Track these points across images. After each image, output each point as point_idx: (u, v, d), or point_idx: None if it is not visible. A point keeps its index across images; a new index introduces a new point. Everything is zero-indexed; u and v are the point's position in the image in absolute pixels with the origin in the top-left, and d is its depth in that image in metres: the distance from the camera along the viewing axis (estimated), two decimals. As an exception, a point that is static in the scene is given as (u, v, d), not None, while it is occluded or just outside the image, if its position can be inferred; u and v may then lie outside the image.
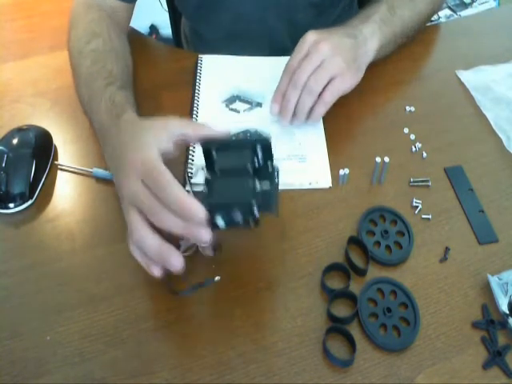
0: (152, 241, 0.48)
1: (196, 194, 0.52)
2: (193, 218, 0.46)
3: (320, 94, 0.65)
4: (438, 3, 0.83)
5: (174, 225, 0.47)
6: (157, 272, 0.50)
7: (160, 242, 0.48)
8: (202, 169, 0.52)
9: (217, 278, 0.55)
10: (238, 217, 0.47)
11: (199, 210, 0.46)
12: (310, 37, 0.66)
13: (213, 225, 0.48)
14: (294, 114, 0.67)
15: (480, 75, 0.78)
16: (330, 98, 0.65)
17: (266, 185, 0.51)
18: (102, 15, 0.75)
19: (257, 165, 0.51)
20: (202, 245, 0.51)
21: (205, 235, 0.47)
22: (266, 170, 0.52)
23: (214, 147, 0.50)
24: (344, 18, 0.93)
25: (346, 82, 0.66)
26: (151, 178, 0.47)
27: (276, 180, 0.52)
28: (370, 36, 0.70)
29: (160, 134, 0.51)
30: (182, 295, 0.54)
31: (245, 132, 0.70)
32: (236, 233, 0.61)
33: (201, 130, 0.52)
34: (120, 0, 0.76)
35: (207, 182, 0.50)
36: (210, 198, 0.48)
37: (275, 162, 0.52)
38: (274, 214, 0.51)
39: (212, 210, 0.47)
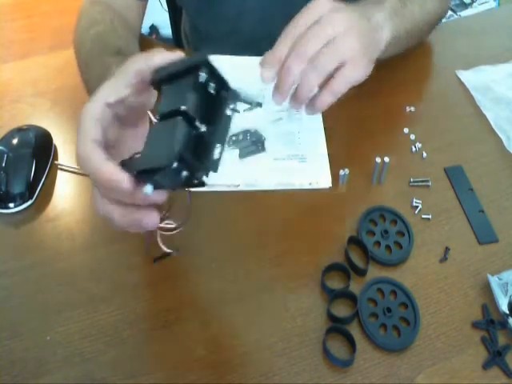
0: (117, 215, 0.44)
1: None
2: (121, 190, 0.40)
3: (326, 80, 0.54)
4: (445, 8, 0.80)
5: (115, 210, 0.44)
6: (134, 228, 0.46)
7: (124, 212, 0.44)
8: None
9: (176, 252, 0.54)
10: (166, 181, 0.38)
11: (122, 180, 0.40)
12: (324, 2, 0.53)
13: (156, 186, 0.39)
14: (293, 94, 0.54)
15: (480, 75, 0.78)
16: (340, 87, 0.53)
17: (213, 124, 0.38)
18: (107, 9, 0.73)
19: (210, 92, 0.38)
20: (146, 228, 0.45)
21: (149, 218, 0.43)
22: (221, 99, 0.39)
23: (160, 81, 0.41)
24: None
25: (359, 72, 0.55)
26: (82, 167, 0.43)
27: (227, 111, 0.39)
28: (382, 23, 0.60)
29: (113, 86, 0.43)
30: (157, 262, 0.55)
31: (245, 132, 0.70)
32: (236, 233, 0.61)
33: (152, 57, 0.42)
34: None
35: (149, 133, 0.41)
36: (132, 164, 0.40)
37: (232, 87, 0.40)
38: (212, 169, 0.41)
39: (137, 178, 0.39)
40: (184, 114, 0.36)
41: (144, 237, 0.49)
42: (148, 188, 0.38)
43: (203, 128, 0.37)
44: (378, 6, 0.61)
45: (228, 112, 0.39)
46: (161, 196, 0.41)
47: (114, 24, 0.71)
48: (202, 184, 0.40)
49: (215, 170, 0.39)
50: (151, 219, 0.43)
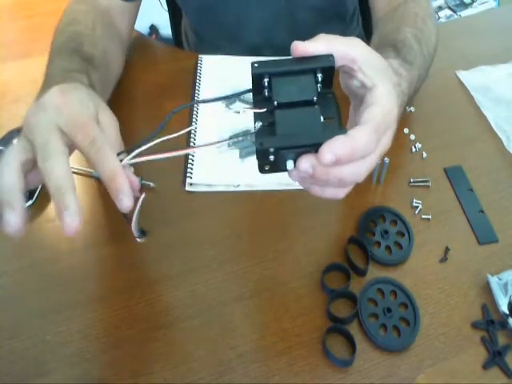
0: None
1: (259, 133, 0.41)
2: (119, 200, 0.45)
3: None
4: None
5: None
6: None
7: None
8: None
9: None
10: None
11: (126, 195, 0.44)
12: (388, 125, 0.45)
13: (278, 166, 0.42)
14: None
15: (480, 75, 0.78)
16: (344, 195, 0.48)
17: (330, 114, 0.42)
18: (91, 9, 0.72)
19: (318, 91, 0.43)
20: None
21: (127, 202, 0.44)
22: (326, 99, 0.43)
23: (266, 74, 0.43)
24: (348, 31, 0.93)
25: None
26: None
27: (336, 106, 0.43)
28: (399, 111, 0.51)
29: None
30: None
31: (245, 132, 0.70)
32: (236, 232, 0.61)
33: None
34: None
35: (260, 117, 0.42)
36: (276, 140, 0.40)
37: (332, 91, 0.44)
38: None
39: (278, 153, 0.40)
40: (316, 103, 0.41)
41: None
42: (290, 163, 0.41)
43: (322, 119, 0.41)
44: (405, 92, 0.56)
45: (336, 107, 0.43)
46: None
47: (96, 27, 0.70)
48: None
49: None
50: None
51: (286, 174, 0.61)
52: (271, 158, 0.40)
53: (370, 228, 0.60)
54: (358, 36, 0.97)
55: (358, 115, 0.44)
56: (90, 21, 0.70)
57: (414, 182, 0.65)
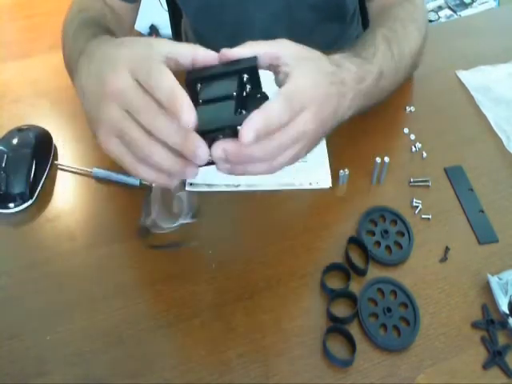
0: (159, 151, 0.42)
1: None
2: (179, 111, 0.40)
3: None
4: (406, 77, 0.70)
5: (173, 126, 0.41)
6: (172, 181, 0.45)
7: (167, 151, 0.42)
8: None
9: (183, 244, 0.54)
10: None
11: (189, 108, 0.40)
12: (305, 101, 0.47)
13: None
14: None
15: (480, 75, 0.78)
16: (282, 166, 0.50)
17: (250, 109, 0.44)
18: (96, 1, 0.73)
19: (245, 93, 0.46)
20: (197, 161, 0.42)
21: (204, 148, 0.41)
22: (254, 98, 0.46)
23: (198, 80, 0.46)
24: (348, 31, 0.93)
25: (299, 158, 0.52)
26: (143, 66, 0.42)
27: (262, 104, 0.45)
28: (348, 107, 0.55)
29: (148, 46, 0.45)
30: (158, 249, 0.55)
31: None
32: (236, 233, 0.61)
33: (194, 49, 0.46)
34: (122, 0, 0.76)
35: None
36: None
37: (265, 90, 0.47)
38: None
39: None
40: (233, 99, 0.43)
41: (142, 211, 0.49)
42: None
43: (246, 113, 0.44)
44: (356, 87, 0.56)
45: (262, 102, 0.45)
46: (197, 170, 0.43)
47: (106, 14, 0.70)
48: None
49: None
50: (203, 152, 0.41)
51: (286, 174, 0.62)
52: None
53: (370, 228, 0.61)
54: (357, 35, 0.97)
55: None
56: (99, 9, 0.71)
57: (414, 181, 0.65)
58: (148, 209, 0.53)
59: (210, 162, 0.44)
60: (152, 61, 0.42)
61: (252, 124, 0.42)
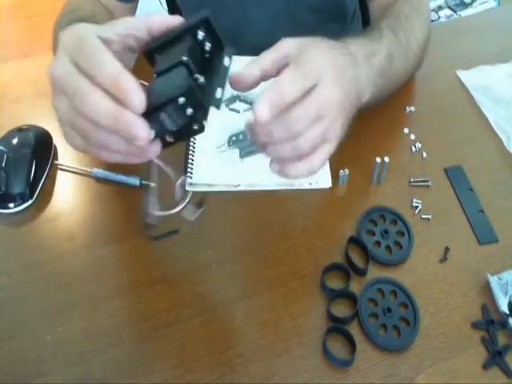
0: (104, 105, 0.38)
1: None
2: (125, 96, 0.37)
3: None
4: (414, 68, 0.72)
5: (103, 107, 0.38)
6: (112, 157, 0.42)
7: (113, 104, 0.38)
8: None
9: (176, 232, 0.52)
10: (169, 123, 0.40)
11: (135, 90, 0.37)
12: (318, 69, 0.46)
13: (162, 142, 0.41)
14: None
15: (480, 75, 0.78)
16: (320, 164, 0.48)
17: (211, 76, 0.41)
18: (88, 0, 0.72)
19: (206, 50, 0.42)
20: (137, 143, 0.39)
21: (140, 126, 0.38)
22: (217, 55, 0.43)
23: (157, 49, 0.43)
24: (348, 31, 0.93)
25: (337, 144, 0.50)
26: (82, 52, 0.39)
27: (225, 63, 0.42)
28: (367, 84, 0.55)
29: (103, 26, 0.43)
30: (159, 240, 0.54)
31: (245, 132, 0.70)
32: (236, 233, 0.61)
33: (146, 18, 0.43)
34: (118, 0, 0.76)
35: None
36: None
37: (228, 46, 0.43)
38: (214, 106, 0.42)
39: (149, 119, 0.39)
40: (185, 65, 0.39)
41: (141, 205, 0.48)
42: (151, 133, 0.39)
43: (201, 79, 0.40)
44: (368, 62, 0.56)
45: (225, 63, 0.42)
46: (157, 148, 0.40)
47: (96, 15, 0.69)
48: (202, 129, 0.41)
49: (218, 107, 0.41)
50: (142, 128, 0.38)
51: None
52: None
53: (370, 228, 0.61)
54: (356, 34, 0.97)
55: None
56: (89, 9, 0.70)
57: (414, 181, 0.65)
58: (148, 199, 0.52)
59: (166, 142, 0.41)
60: (93, 46, 0.39)
61: (265, 98, 0.40)
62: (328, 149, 0.48)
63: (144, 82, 0.42)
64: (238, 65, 0.81)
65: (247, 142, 0.69)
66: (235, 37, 0.86)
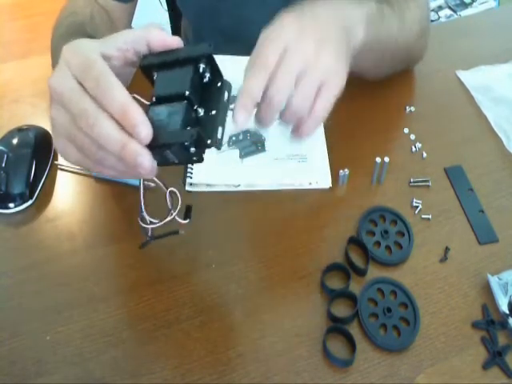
0: (108, 124, 0.39)
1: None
2: (133, 128, 0.38)
3: None
4: (426, 16, 0.72)
5: (109, 133, 0.38)
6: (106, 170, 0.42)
7: (121, 132, 0.39)
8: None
9: (182, 232, 0.54)
10: (171, 157, 0.41)
11: (143, 123, 0.38)
12: (289, 25, 0.51)
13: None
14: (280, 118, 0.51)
15: (480, 75, 0.78)
16: (324, 112, 0.50)
17: (210, 109, 0.42)
18: (87, 4, 0.72)
19: (205, 81, 0.43)
20: (141, 174, 0.41)
21: (145, 157, 0.39)
22: (214, 88, 0.43)
23: (154, 66, 0.43)
24: None
25: (338, 86, 0.50)
26: (89, 75, 0.39)
27: (224, 98, 0.43)
28: (357, 21, 0.55)
29: (104, 41, 0.44)
30: (158, 239, 0.53)
31: (245, 132, 0.70)
32: (236, 233, 0.61)
33: (148, 32, 0.43)
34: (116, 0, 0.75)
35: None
36: None
37: (225, 78, 0.44)
38: (215, 147, 0.42)
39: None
40: (187, 98, 0.41)
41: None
42: (154, 163, 0.40)
43: (202, 112, 0.42)
44: (356, 5, 0.57)
45: (225, 99, 0.43)
46: (154, 172, 0.41)
47: (94, 16, 0.69)
48: (201, 160, 0.42)
49: (219, 148, 0.42)
50: (146, 159, 0.39)
51: (286, 174, 0.62)
52: None
53: (370, 228, 0.60)
54: None
55: None
56: (88, 13, 0.70)
57: (414, 181, 0.65)
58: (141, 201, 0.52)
59: (166, 162, 0.42)
60: (98, 68, 0.39)
61: (238, 106, 0.43)
62: (327, 94, 0.49)
63: (139, 98, 0.43)
64: (238, 65, 0.81)
65: (247, 142, 0.70)
66: (235, 37, 0.86)
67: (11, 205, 0.63)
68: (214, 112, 0.42)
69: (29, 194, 0.63)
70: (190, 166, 0.66)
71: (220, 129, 0.42)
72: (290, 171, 0.66)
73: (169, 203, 0.50)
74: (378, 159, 0.63)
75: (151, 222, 0.50)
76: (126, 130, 0.39)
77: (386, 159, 0.63)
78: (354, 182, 0.65)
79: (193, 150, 0.40)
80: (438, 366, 0.51)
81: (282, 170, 0.66)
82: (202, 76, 0.43)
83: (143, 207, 0.49)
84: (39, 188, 0.65)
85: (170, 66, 0.43)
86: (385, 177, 0.65)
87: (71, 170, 0.67)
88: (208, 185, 0.65)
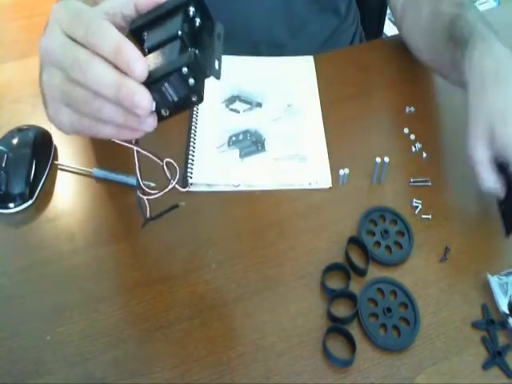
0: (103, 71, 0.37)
1: None
2: (128, 64, 0.37)
3: None
4: None
5: (105, 75, 0.37)
6: (108, 131, 0.41)
7: (115, 72, 0.38)
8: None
9: (182, 203, 0.53)
10: (170, 93, 0.40)
11: (138, 59, 0.37)
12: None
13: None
14: None
15: (480, 75, 0.77)
16: None
17: (204, 48, 0.42)
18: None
19: (196, 26, 0.43)
20: (138, 112, 0.39)
21: (143, 94, 0.37)
22: (207, 31, 0.43)
23: (144, 27, 0.42)
24: (344, 24, 0.93)
25: None
26: (79, 23, 0.38)
27: (217, 38, 0.43)
28: None
29: (91, 7, 0.42)
30: (157, 218, 0.53)
31: (245, 132, 0.70)
32: (236, 233, 0.61)
33: None
34: None
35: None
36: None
37: (218, 22, 0.44)
38: (215, 76, 0.42)
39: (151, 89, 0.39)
40: (180, 38, 0.40)
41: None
42: (152, 104, 0.39)
43: (196, 51, 0.40)
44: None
45: (217, 37, 0.42)
46: (154, 121, 0.40)
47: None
48: (201, 99, 0.41)
49: (218, 78, 0.42)
50: (145, 98, 0.38)
51: (286, 174, 0.62)
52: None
53: (370, 228, 0.61)
54: (355, 34, 0.97)
55: None
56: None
57: (414, 181, 0.65)
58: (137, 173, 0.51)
59: (161, 116, 0.41)
60: (90, 16, 0.39)
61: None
62: None
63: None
64: (237, 65, 0.81)
65: (247, 142, 0.70)
66: (232, 33, 0.86)
67: (11, 205, 0.63)
68: (208, 49, 0.42)
69: (29, 193, 0.63)
70: (190, 166, 0.66)
71: (217, 61, 0.41)
72: (289, 171, 0.66)
73: (167, 173, 0.49)
74: (378, 159, 0.63)
75: (150, 194, 0.49)
76: (121, 69, 0.38)
77: (386, 159, 0.63)
78: (354, 181, 0.65)
79: (192, 81, 0.38)
80: (438, 366, 0.51)
81: (282, 169, 0.66)
82: (193, 21, 0.42)
83: (140, 179, 0.47)
84: (39, 188, 0.65)
85: (160, 21, 0.42)
86: (385, 177, 0.65)
87: (71, 170, 0.67)
88: (208, 185, 0.65)
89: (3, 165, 0.63)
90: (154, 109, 0.39)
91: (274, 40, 0.87)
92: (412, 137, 0.70)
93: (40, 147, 0.67)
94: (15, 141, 0.66)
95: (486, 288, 0.56)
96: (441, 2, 0.69)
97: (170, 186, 0.49)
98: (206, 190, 0.65)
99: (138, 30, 0.42)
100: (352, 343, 0.52)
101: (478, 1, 2.03)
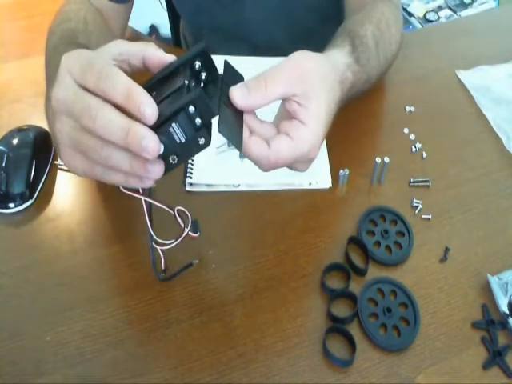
0: (113, 117, 0.38)
1: None
2: (138, 107, 0.38)
3: None
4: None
5: (113, 121, 0.38)
6: (118, 178, 0.42)
7: (123, 117, 0.38)
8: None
9: (195, 261, 0.55)
10: (178, 134, 0.40)
11: (150, 103, 0.38)
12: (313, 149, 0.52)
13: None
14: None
15: (480, 75, 0.78)
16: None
17: (210, 95, 0.43)
18: (84, 6, 0.71)
19: (202, 79, 0.44)
20: (146, 156, 0.39)
21: (151, 137, 0.38)
22: (212, 82, 0.44)
23: (151, 88, 0.43)
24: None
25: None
26: (91, 71, 0.39)
27: (216, 86, 0.44)
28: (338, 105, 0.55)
29: (99, 51, 0.44)
30: (166, 280, 0.54)
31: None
32: (236, 233, 0.61)
33: (145, 48, 0.43)
34: (112, 1, 0.75)
35: None
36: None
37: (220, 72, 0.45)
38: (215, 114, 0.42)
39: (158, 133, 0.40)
40: (187, 87, 0.41)
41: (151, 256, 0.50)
42: (160, 146, 0.39)
43: (201, 88, 0.41)
44: (347, 93, 0.56)
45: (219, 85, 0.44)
46: (161, 169, 0.41)
47: (87, 22, 0.68)
48: (208, 142, 0.41)
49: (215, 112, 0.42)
50: (154, 143, 0.38)
51: (286, 174, 0.62)
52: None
53: (370, 228, 0.61)
54: None
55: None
56: (81, 18, 0.69)
57: (414, 181, 0.65)
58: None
59: (170, 164, 0.41)
60: (100, 63, 0.40)
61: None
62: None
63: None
64: (237, 65, 0.81)
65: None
66: (233, 36, 0.86)
67: (11, 205, 0.63)
68: (214, 99, 0.43)
69: (29, 193, 0.63)
70: (190, 166, 0.66)
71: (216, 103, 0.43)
72: (289, 171, 0.66)
73: (180, 221, 0.50)
74: (378, 159, 0.63)
75: (165, 244, 0.50)
76: (131, 113, 0.38)
77: (386, 159, 0.63)
78: (354, 182, 0.65)
79: (198, 121, 0.39)
80: (438, 366, 0.51)
81: (282, 169, 0.66)
82: (199, 74, 0.43)
83: (151, 229, 0.48)
84: (39, 188, 0.65)
85: (167, 79, 0.43)
86: (385, 177, 0.65)
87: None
88: (208, 185, 0.65)
89: (3, 165, 0.63)
90: (161, 151, 0.39)
91: (274, 45, 0.86)
92: (412, 137, 0.70)
93: (40, 147, 0.67)
94: (15, 141, 0.66)
95: (486, 288, 0.56)
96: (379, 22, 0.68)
97: (184, 234, 0.50)
98: (205, 190, 0.65)
99: (146, 90, 0.42)
100: (352, 343, 0.52)
101: (477, 1, 2.03)
